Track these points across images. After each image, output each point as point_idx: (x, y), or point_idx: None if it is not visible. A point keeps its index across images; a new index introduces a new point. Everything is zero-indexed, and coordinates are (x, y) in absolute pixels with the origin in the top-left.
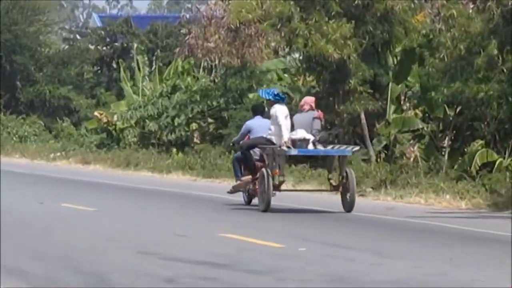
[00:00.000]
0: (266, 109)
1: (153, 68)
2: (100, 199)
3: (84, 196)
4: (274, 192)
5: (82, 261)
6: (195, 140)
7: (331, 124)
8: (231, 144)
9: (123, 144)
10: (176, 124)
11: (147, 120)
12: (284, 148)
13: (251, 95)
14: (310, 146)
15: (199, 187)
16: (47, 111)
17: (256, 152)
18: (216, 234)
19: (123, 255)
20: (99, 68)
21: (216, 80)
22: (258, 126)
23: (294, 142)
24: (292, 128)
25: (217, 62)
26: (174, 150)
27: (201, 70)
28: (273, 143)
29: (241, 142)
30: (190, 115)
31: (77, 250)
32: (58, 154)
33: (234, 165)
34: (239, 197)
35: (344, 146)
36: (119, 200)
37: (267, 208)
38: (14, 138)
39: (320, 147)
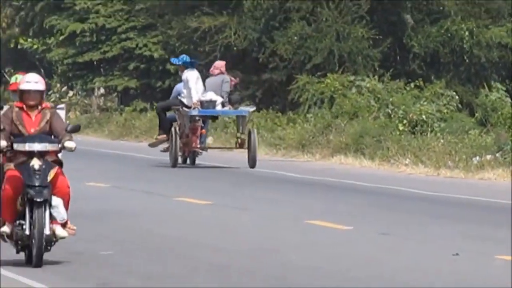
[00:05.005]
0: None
1: None
2: None
3: None
4: (200, 151)
5: None
6: None
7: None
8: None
9: None
10: None
11: None
12: (186, 109)
13: None
14: (219, 107)
15: None
16: None
17: None
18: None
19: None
20: None
21: None
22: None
23: (203, 104)
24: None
25: None
26: None
27: None
28: (185, 105)
29: (158, 104)
30: None
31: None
32: None
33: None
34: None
35: (247, 107)
36: None
37: (174, 164)
38: None
39: (227, 108)
